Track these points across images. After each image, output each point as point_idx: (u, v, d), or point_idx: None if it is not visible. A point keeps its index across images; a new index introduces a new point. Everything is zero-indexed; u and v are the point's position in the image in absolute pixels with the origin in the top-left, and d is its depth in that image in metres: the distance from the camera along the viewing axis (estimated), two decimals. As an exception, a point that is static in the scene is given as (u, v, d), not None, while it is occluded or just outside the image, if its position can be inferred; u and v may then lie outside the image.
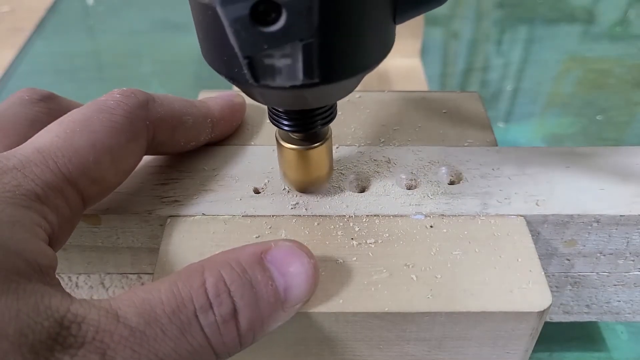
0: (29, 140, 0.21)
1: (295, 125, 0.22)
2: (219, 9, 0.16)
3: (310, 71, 0.18)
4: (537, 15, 0.71)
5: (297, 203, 0.25)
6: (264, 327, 0.19)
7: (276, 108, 0.22)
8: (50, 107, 0.24)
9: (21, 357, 0.15)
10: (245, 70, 0.18)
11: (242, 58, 0.17)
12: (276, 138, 0.24)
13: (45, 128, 0.21)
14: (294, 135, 0.23)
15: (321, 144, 0.23)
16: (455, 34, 0.68)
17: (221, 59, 0.19)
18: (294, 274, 0.20)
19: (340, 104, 0.30)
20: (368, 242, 0.23)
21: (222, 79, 0.21)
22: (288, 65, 0.17)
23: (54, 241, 0.19)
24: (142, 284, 0.26)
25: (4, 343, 0.15)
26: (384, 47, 0.20)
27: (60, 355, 0.15)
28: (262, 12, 0.16)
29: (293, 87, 0.18)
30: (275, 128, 0.23)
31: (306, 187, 0.25)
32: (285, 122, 0.22)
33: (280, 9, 0.16)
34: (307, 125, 0.22)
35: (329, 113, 0.23)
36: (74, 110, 0.22)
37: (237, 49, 0.17)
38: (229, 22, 0.16)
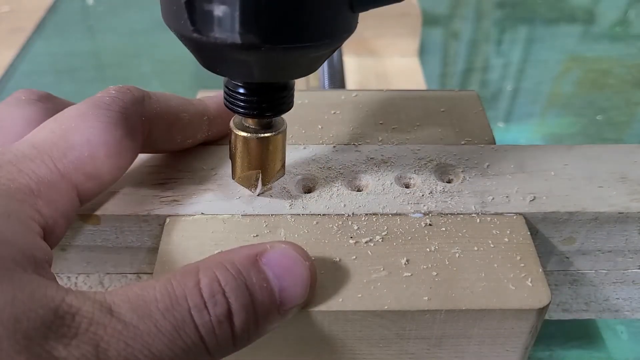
0: (25, 137, 0.21)
1: (248, 107, 0.22)
2: None
3: (249, 24, 0.17)
4: (537, 15, 0.71)
5: (296, 202, 0.25)
6: (259, 329, 0.19)
7: (231, 89, 0.22)
8: (48, 108, 0.24)
9: (15, 343, 0.15)
10: (186, 16, 0.18)
11: (182, 1, 0.17)
12: (230, 128, 0.23)
13: (41, 124, 0.21)
14: (246, 123, 0.23)
15: (274, 135, 0.23)
16: (455, 34, 0.68)
17: (171, 10, 0.19)
18: (289, 276, 0.19)
19: (338, 102, 0.30)
20: (367, 240, 0.23)
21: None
22: (226, 14, 0.17)
23: (49, 235, 0.19)
24: (141, 283, 0.26)
25: None
26: (337, 29, 0.20)
27: (54, 344, 0.15)
28: None
29: (233, 45, 0.18)
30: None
31: (253, 181, 0.24)
32: (240, 103, 0.22)
33: None
34: (260, 108, 0.22)
35: (283, 99, 0.22)
36: (70, 106, 0.22)
37: None
38: None
